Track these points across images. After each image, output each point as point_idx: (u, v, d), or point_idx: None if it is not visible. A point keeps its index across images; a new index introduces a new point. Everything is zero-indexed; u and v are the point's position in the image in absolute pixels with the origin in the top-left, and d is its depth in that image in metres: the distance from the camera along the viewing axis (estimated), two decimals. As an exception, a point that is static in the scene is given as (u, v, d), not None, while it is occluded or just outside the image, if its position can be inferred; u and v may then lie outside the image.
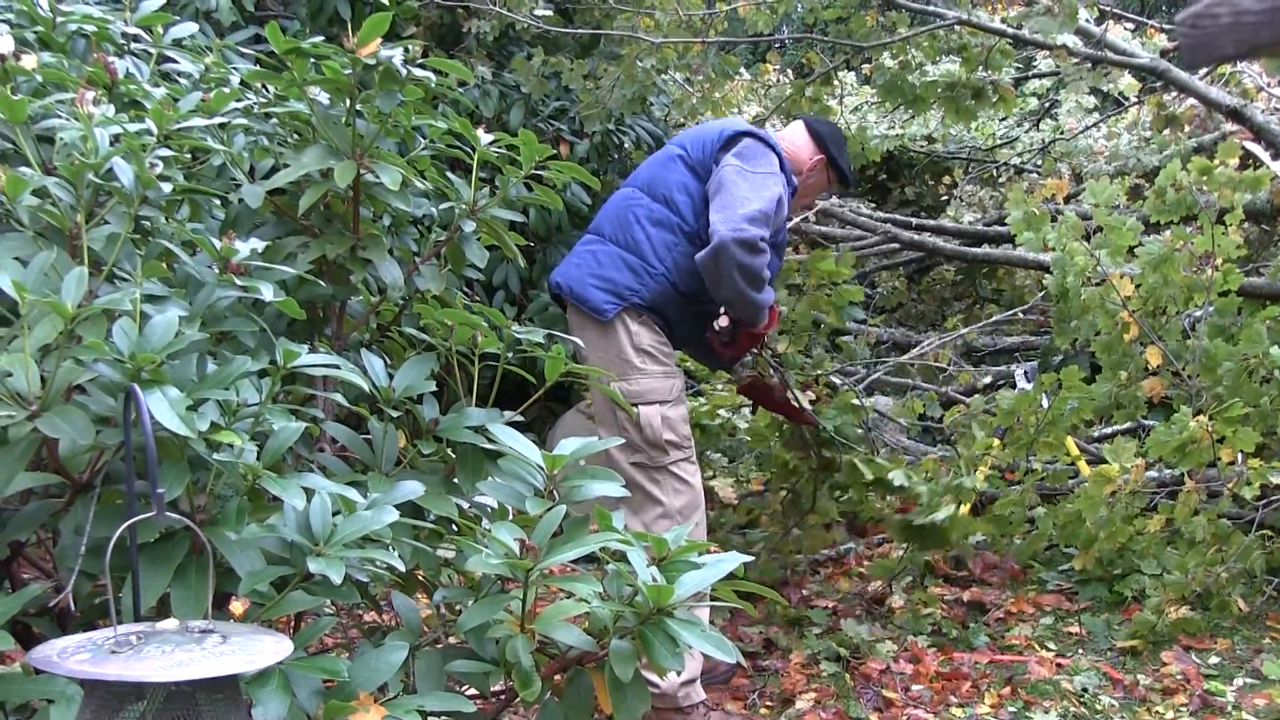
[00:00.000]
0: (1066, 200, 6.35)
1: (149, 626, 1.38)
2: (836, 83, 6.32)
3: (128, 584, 1.59)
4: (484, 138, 2.55)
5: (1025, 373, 5.29)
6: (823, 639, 3.99)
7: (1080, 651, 3.95)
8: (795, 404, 4.05)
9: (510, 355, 2.46)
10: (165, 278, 1.94)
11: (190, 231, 2.14)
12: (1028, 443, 4.20)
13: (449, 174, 2.69)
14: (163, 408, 1.58)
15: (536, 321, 5.61)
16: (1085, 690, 3.62)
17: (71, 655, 1.30)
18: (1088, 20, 5.32)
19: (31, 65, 2.23)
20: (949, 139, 8.05)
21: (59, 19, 2.66)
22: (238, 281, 1.92)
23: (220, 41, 4.13)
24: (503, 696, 2.18)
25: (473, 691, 2.08)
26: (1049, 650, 3.94)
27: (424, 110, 2.54)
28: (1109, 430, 5.05)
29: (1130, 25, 5.99)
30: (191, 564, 1.68)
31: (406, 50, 2.42)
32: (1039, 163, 7.23)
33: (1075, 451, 4.59)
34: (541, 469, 2.02)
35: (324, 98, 2.41)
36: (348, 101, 2.35)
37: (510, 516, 2.16)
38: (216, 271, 1.98)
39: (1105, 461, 3.88)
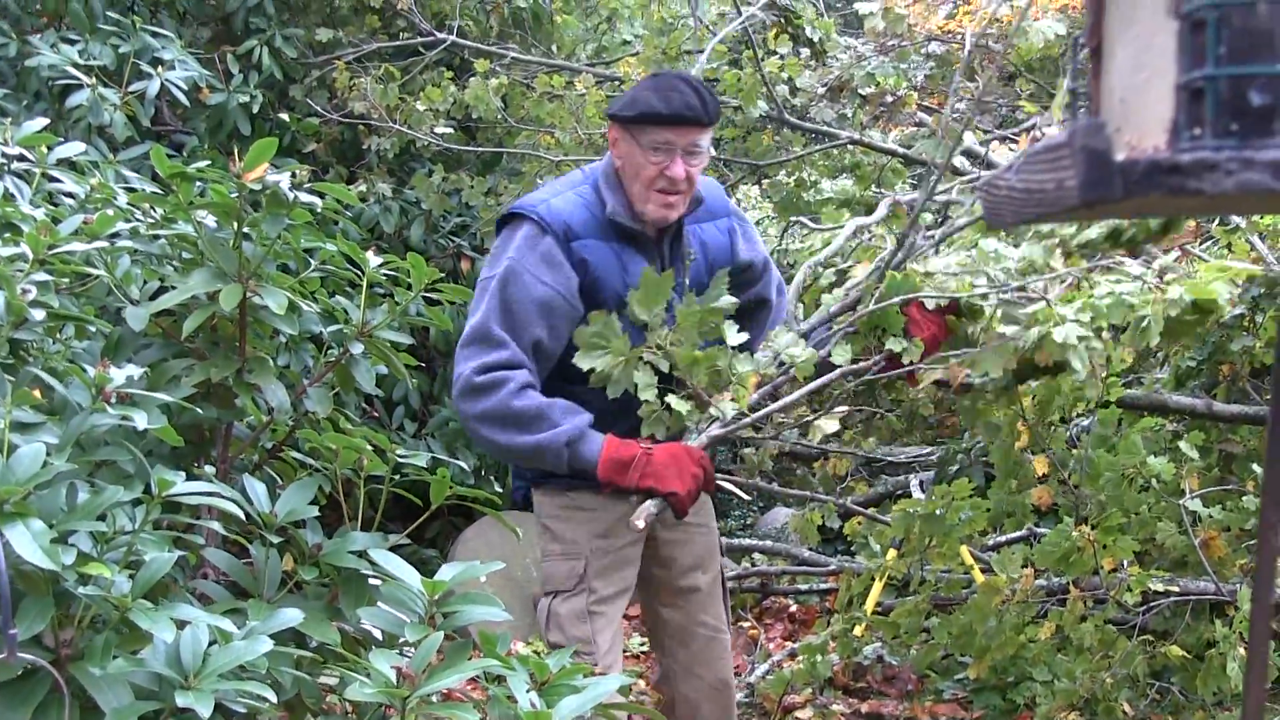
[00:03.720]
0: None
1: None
2: (737, 198, 6.43)
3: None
4: (374, 260, 2.55)
5: (921, 484, 5.36)
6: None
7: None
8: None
9: (398, 477, 2.45)
10: (38, 405, 1.90)
11: (70, 355, 2.12)
12: (921, 552, 4.24)
13: (348, 291, 2.69)
14: (25, 541, 1.54)
15: (438, 436, 5.59)
16: (980, 802, 3.63)
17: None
18: (975, 143, 5.48)
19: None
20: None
21: (-62, 139, 2.64)
22: (111, 410, 1.89)
23: (113, 158, 4.12)
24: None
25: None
26: (944, 761, 3.95)
27: (314, 233, 2.55)
28: (1003, 538, 5.11)
29: (1015, 146, 6.17)
30: (55, 702, 1.63)
31: (294, 175, 2.42)
32: (932, 275, 7.39)
33: (970, 560, 4.64)
34: (422, 594, 2.00)
35: (211, 221, 2.40)
36: (235, 225, 2.34)
37: (398, 642, 2.13)
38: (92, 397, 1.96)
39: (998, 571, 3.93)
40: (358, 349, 2.56)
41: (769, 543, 5.80)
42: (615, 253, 2.90)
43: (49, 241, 2.10)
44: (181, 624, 1.71)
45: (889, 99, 4.79)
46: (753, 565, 5.75)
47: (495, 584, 5.09)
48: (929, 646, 4.47)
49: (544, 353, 2.82)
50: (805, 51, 5.46)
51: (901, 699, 4.49)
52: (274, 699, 1.78)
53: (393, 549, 2.25)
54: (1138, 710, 4.12)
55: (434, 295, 2.66)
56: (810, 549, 5.85)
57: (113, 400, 1.91)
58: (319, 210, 2.42)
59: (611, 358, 2.73)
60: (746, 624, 5.66)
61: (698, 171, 2.87)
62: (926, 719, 4.31)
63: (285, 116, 5.72)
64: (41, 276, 2.07)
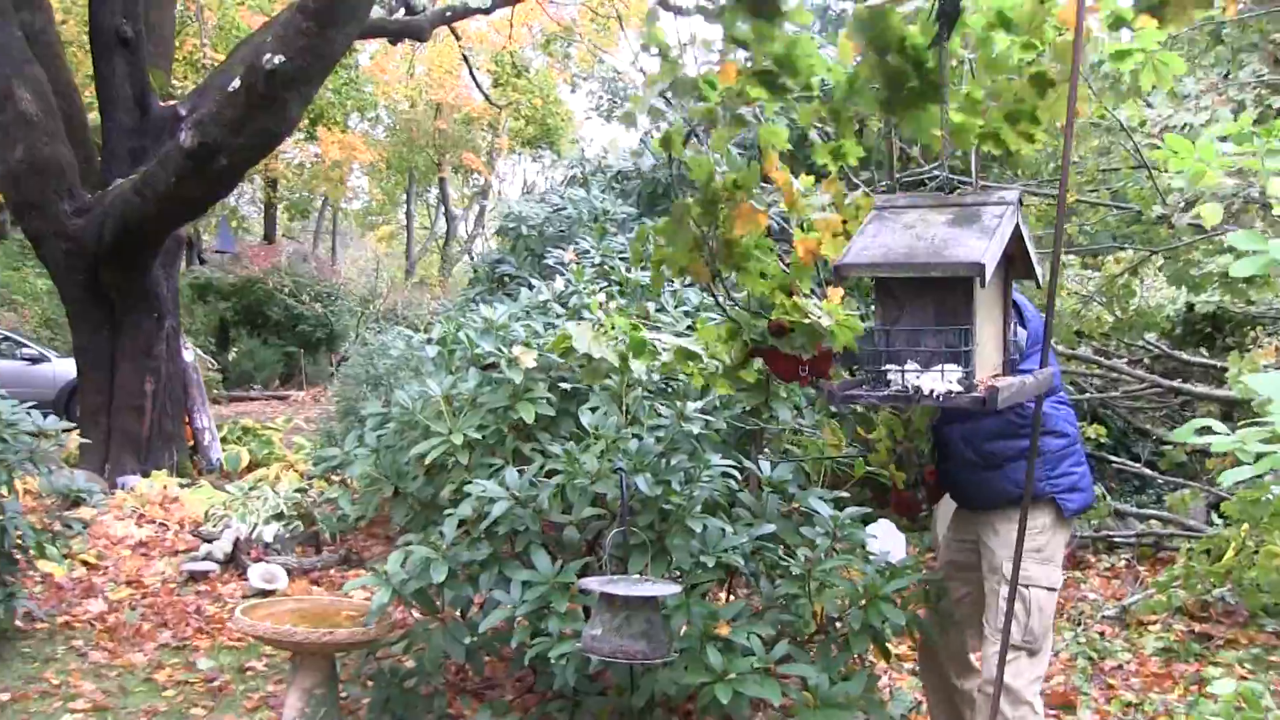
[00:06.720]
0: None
1: (622, 576, 2.34)
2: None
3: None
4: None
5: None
6: (1077, 643, 4.32)
7: (1267, 674, 4.01)
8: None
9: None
10: (654, 423, 2.92)
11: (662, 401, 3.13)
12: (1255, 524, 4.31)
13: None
14: (642, 482, 2.56)
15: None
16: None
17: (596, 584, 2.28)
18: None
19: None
20: (1260, 302, 7.66)
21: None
22: (682, 425, 2.87)
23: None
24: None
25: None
26: (1245, 668, 4.05)
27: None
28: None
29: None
30: (660, 555, 2.64)
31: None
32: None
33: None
34: (829, 521, 2.79)
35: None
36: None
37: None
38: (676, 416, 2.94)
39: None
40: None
41: (1162, 512, 5.84)
42: None
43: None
44: (705, 526, 2.64)
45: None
46: (1149, 529, 5.83)
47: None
48: (1256, 591, 4.49)
49: None
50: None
51: (1231, 626, 4.55)
52: (742, 564, 2.65)
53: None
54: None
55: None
56: (1192, 520, 5.81)
57: (685, 417, 2.88)
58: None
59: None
60: (1143, 567, 5.73)
61: None
62: (1244, 641, 4.38)
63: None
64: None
